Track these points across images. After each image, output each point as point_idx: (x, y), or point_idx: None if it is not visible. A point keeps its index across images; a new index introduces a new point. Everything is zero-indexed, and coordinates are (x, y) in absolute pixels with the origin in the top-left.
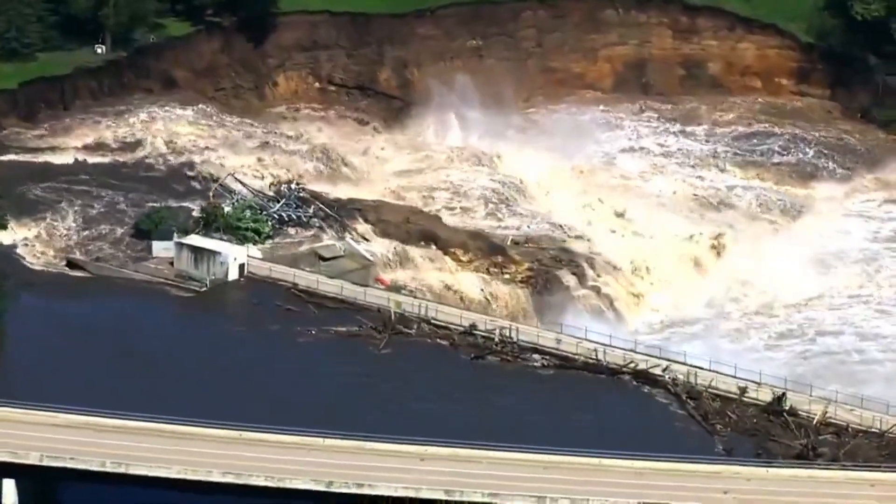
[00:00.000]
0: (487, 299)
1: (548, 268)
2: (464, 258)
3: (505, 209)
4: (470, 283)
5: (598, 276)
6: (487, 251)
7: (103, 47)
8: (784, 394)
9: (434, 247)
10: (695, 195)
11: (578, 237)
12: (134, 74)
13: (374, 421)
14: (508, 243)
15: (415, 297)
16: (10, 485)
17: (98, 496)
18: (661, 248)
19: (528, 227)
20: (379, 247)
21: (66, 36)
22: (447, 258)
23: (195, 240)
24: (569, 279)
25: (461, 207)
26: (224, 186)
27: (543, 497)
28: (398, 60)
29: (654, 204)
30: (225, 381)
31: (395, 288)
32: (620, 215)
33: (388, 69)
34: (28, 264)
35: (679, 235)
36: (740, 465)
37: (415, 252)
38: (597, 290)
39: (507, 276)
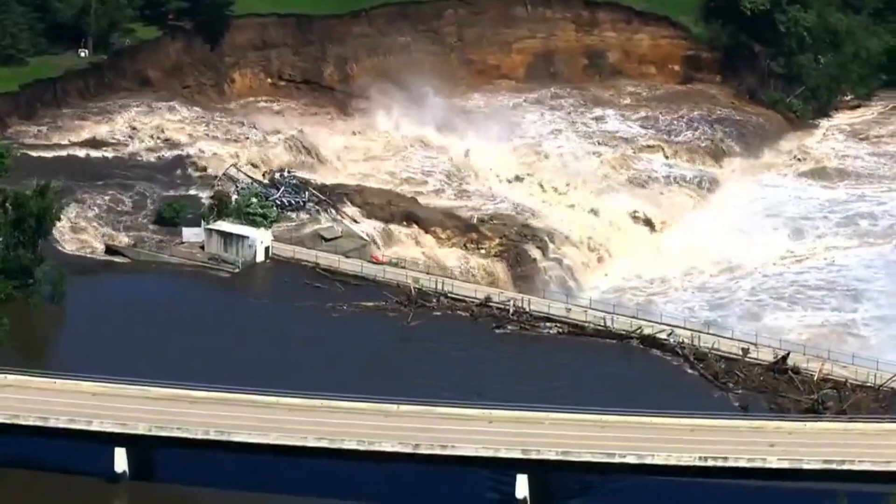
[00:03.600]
0: (469, 273)
1: (515, 242)
2: (442, 235)
3: (461, 190)
4: (450, 258)
5: (558, 248)
6: (463, 229)
7: (86, 51)
8: (788, 353)
9: (416, 226)
10: (619, 173)
11: (533, 214)
12: (114, 75)
13: (425, 386)
14: (475, 221)
15: (429, 273)
16: (121, 453)
17: (192, 461)
18: (604, 222)
19: (489, 205)
20: (366, 227)
21: (53, 41)
22: (428, 236)
23: (223, 225)
24: (534, 252)
25: (424, 189)
26: (227, 176)
27: (612, 454)
28: (339, 57)
29: (585, 182)
30: (281, 353)
31: (392, 264)
32: (561, 193)
33: (330, 65)
34: (66, 251)
35: (615, 210)
36: (779, 420)
37: (399, 231)
38: (559, 261)
39: (482, 251)
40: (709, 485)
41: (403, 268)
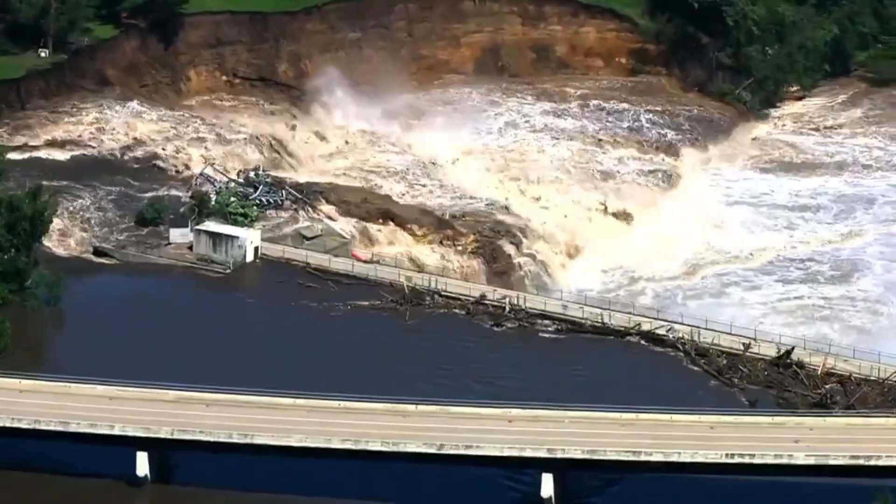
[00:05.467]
0: (452, 270)
1: (490, 238)
2: (419, 233)
3: (429, 186)
4: (428, 255)
5: (532, 244)
6: (438, 225)
7: (46, 51)
8: (793, 347)
9: (392, 223)
10: (580, 167)
11: (503, 209)
12: (74, 75)
13: (436, 385)
14: (447, 217)
15: (420, 272)
16: (143, 457)
17: (206, 463)
18: (572, 216)
19: (457, 201)
20: (344, 225)
21: (13, 41)
22: (404, 233)
23: (212, 226)
24: (509, 248)
25: (392, 186)
26: (203, 175)
27: (638, 452)
28: (293, 53)
29: (548, 176)
30: (288, 354)
31: (374, 261)
32: (525, 190)
33: (284, 62)
34: (53, 253)
35: (581, 204)
36: (798, 416)
37: (375, 229)
38: (533, 256)
39: (459, 248)
40: (727, 482)
41: (395, 266)
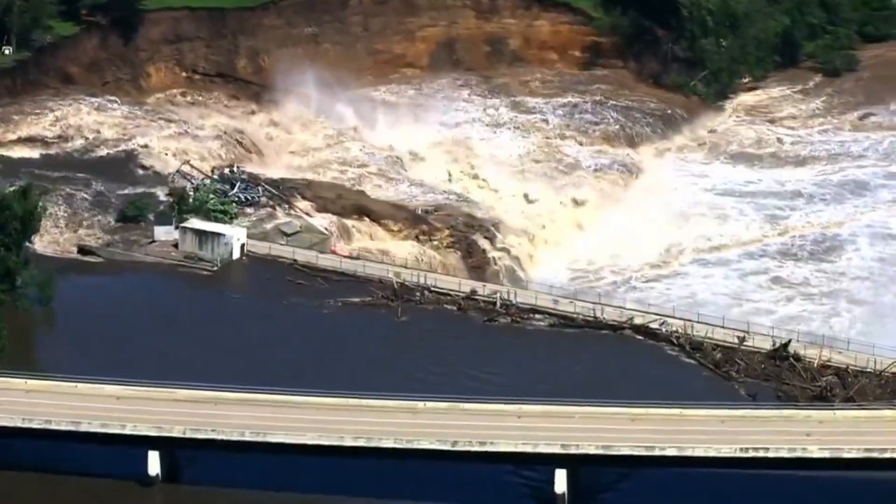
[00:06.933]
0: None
1: (464, 233)
2: (394, 228)
3: (394, 180)
4: (405, 250)
5: (504, 238)
6: (413, 221)
7: (10, 48)
8: (790, 340)
9: (367, 219)
10: (541, 161)
11: (474, 204)
12: (39, 72)
13: (440, 382)
14: (420, 212)
15: (405, 267)
16: (154, 456)
17: (214, 462)
18: (535, 210)
19: (428, 196)
20: (320, 221)
21: None
22: (380, 228)
23: (198, 223)
24: (483, 242)
25: (362, 181)
26: (180, 173)
27: (652, 447)
28: (251, 49)
29: (508, 170)
30: (287, 352)
31: (354, 258)
32: (493, 187)
33: (243, 57)
34: (37, 251)
35: (549, 198)
36: (805, 409)
37: (351, 224)
38: (507, 251)
39: (435, 243)
40: (737, 476)
41: (383, 262)
